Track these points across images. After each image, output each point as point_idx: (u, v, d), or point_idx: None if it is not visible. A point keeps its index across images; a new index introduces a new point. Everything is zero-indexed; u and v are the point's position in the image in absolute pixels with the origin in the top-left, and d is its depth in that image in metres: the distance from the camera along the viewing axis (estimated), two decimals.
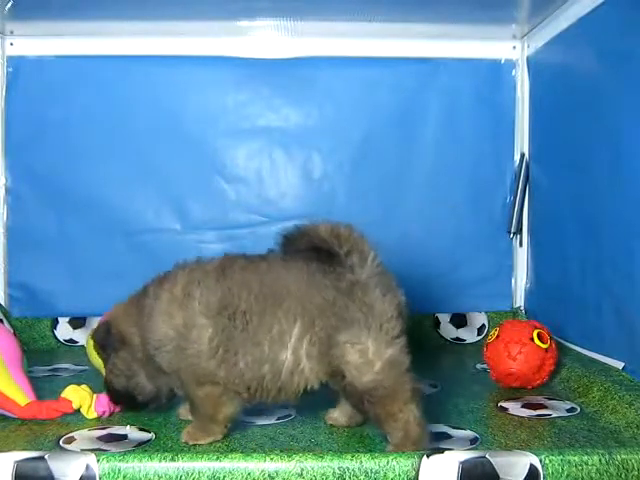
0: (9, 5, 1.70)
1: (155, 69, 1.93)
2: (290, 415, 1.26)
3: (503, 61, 1.95)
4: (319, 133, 1.94)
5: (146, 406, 1.23)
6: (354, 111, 1.94)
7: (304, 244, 1.12)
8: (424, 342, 1.89)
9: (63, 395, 1.25)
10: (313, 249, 1.11)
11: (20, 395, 1.24)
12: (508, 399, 1.37)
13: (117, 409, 1.27)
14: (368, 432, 1.15)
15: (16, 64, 1.90)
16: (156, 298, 1.15)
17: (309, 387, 1.08)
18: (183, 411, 1.24)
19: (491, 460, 0.93)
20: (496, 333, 1.49)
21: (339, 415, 1.21)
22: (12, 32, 1.89)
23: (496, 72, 1.95)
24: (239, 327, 1.08)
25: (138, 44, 1.92)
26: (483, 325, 1.92)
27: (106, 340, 1.20)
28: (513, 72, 1.94)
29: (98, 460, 0.96)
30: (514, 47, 1.94)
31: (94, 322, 1.81)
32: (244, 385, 1.09)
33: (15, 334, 1.41)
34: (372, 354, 1.05)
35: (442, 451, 0.95)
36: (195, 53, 1.92)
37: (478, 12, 1.75)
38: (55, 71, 1.90)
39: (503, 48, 1.95)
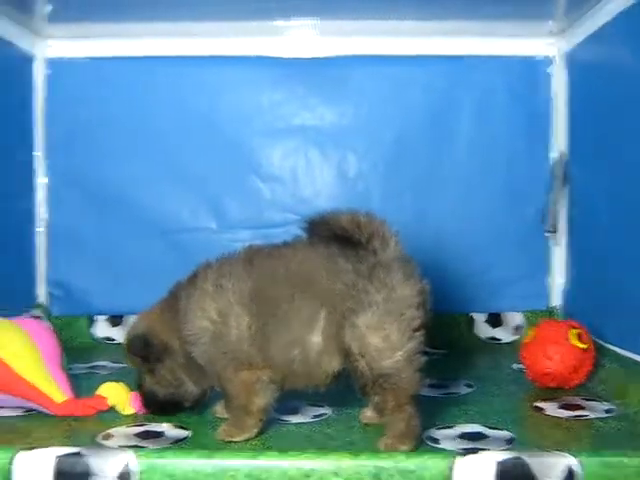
0: (47, 8, 1.73)
1: (190, 69, 1.94)
2: (325, 414, 1.26)
3: (538, 58, 1.93)
4: (354, 132, 1.94)
5: (190, 409, 1.25)
6: (388, 110, 1.93)
7: (325, 231, 1.15)
8: (459, 342, 1.88)
9: (99, 392, 1.26)
10: (335, 236, 1.13)
11: (57, 392, 1.25)
12: (545, 399, 1.36)
13: None
14: None
15: (55, 66, 1.93)
16: (188, 298, 1.17)
17: (335, 371, 1.11)
18: (219, 409, 1.25)
19: (528, 461, 0.93)
20: (532, 333, 1.48)
21: (374, 414, 1.21)
22: (50, 35, 1.92)
23: (531, 69, 1.93)
24: (270, 313, 1.11)
25: (173, 45, 1.93)
26: (519, 325, 1.91)
27: (148, 352, 1.21)
28: (549, 69, 1.92)
29: (137, 456, 0.97)
30: (550, 43, 1.91)
31: (131, 320, 1.83)
32: (276, 370, 1.12)
33: (55, 331, 1.43)
34: (395, 341, 1.07)
35: (477, 451, 0.95)
36: (230, 53, 1.93)
37: (513, 9, 1.73)
38: (92, 72, 1.93)
39: (538, 45, 1.92)
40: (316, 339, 1.09)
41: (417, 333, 1.09)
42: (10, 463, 0.97)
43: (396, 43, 1.93)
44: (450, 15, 1.80)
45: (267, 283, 1.13)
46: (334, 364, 1.10)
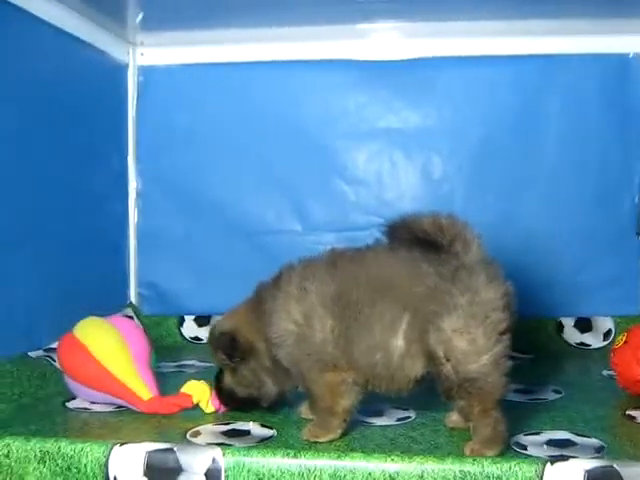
0: (140, 17, 1.79)
1: (276, 74, 1.97)
2: (410, 417, 1.25)
3: (631, 55, 1.87)
4: (438, 134, 1.92)
5: (267, 409, 1.27)
6: (474, 111, 1.91)
7: (407, 235, 1.14)
8: (548, 346, 1.85)
9: (183, 390, 1.29)
10: (417, 239, 1.13)
11: (144, 390, 1.29)
12: (637, 407, 1.32)
13: None
14: None
15: (146, 73, 1.99)
16: (273, 300, 1.19)
17: (418, 375, 1.10)
18: (304, 409, 1.27)
19: (619, 470, 0.91)
20: (624, 338, 1.43)
21: (459, 417, 1.20)
22: (142, 43, 1.98)
23: (624, 67, 1.87)
24: (352, 316, 1.11)
25: (260, 50, 1.96)
26: (609, 330, 1.86)
27: (234, 349, 1.24)
28: None
29: (224, 454, 0.99)
30: None
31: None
32: (360, 373, 1.12)
33: (145, 331, 1.47)
34: (481, 345, 1.06)
35: (567, 459, 0.93)
36: (315, 57, 1.95)
37: (603, 5, 1.69)
38: (182, 79, 1.98)
39: (631, 42, 1.86)
40: (399, 343, 1.09)
41: (503, 336, 1.08)
42: (106, 457, 1.01)
43: (481, 43, 1.90)
44: (537, 14, 1.77)
45: (350, 287, 1.13)
46: (417, 368, 1.10)
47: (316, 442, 1.11)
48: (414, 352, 1.09)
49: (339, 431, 1.13)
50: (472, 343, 1.06)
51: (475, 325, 1.06)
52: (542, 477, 0.91)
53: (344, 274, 1.15)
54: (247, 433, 1.17)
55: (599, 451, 1.08)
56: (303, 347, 1.15)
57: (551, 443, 1.10)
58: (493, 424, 1.05)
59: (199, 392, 1.28)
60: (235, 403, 1.28)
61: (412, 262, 1.12)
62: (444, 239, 1.11)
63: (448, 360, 1.07)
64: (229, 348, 1.24)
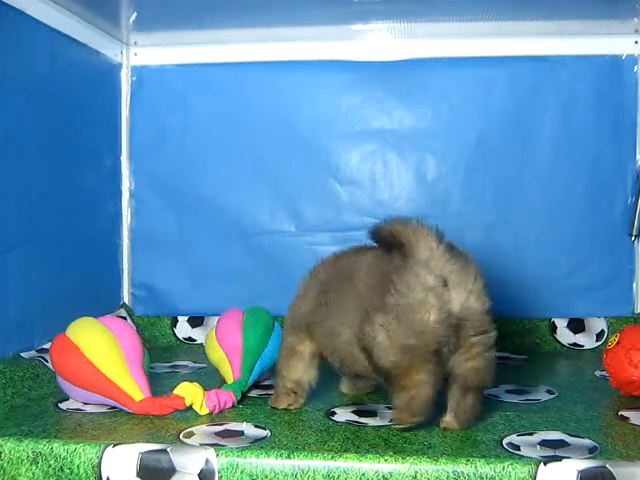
0: (133, 17, 1.79)
1: (269, 74, 1.97)
2: None
3: (624, 57, 1.88)
4: (433, 135, 1.92)
5: None
6: (468, 112, 1.91)
7: (378, 240, 1.23)
8: (541, 347, 1.86)
9: (175, 392, 1.28)
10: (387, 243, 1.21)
11: (136, 391, 1.28)
12: (629, 408, 1.32)
13: (227, 405, 1.31)
14: (482, 437, 1.13)
15: (140, 73, 1.99)
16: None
17: (365, 363, 1.17)
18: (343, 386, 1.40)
19: (612, 470, 0.91)
20: (616, 339, 1.44)
21: (452, 419, 1.20)
22: (136, 43, 1.97)
23: (616, 69, 1.88)
24: (324, 301, 1.26)
25: (254, 51, 1.96)
26: (602, 331, 1.86)
27: None
28: (635, 68, 1.87)
29: (217, 455, 0.99)
30: (636, 42, 1.86)
31: (212, 321, 1.87)
32: (322, 349, 1.28)
33: (138, 331, 1.47)
34: (397, 342, 1.11)
35: (560, 459, 0.93)
36: (309, 58, 1.95)
37: (596, 7, 1.69)
38: (176, 79, 1.98)
39: (624, 43, 1.87)
40: (347, 331, 1.20)
41: (425, 336, 1.10)
42: (99, 458, 1.01)
43: (475, 44, 1.91)
44: (531, 15, 1.77)
45: (330, 277, 1.29)
46: (362, 356, 1.17)
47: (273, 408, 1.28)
48: (355, 341, 1.17)
49: (284, 399, 1.27)
50: (390, 339, 1.11)
51: (396, 323, 1.11)
52: (535, 478, 0.91)
53: (333, 267, 1.31)
54: (241, 434, 1.16)
55: (592, 451, 1.08)
56: (291, 313, 1.34)
57: (544, 444, 1.10)
58: (409, 396, 1.10)
59: (192, 394, 1.28)
60: None
61: (371, 260, 1.23)
62: (397, 242, 1.16)
63: (371, 353, 1.13)
64: None
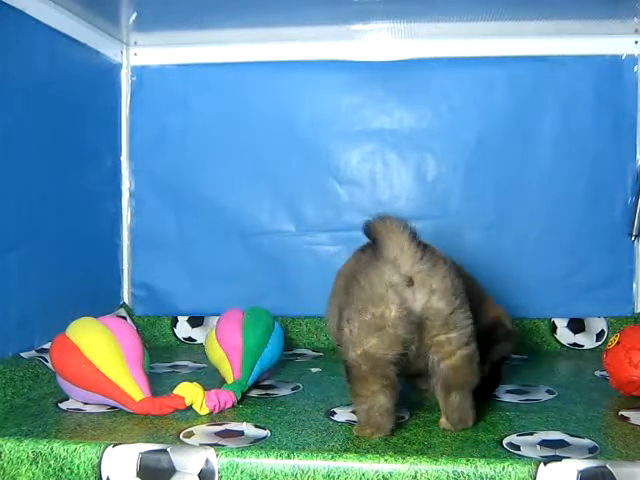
0: (133, 17, 1.79)
1: (270, 74, 1.97)
2: (403, 417, 1.25)
3: (624, 57, 1.88)
4: (433, 135, 1.92)
5: None
6: (468, 112, 1.91)
7: (367, 236, 1.24)
8: (541, 347, 1.86)
9: (175, 392, 1.28)
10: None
11: (136, 391, 1.28)
12: (629, 408, 1.32)
13: (227, 405, 1.31)
14: (482, 437, 1.13)
15: (140, 73, 1.99)
16: None
17: None
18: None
19: (612, 470, 0.91)
20: (616, 339, 1.43)
21: (445, 420, 1.20)
22: (136, 43, 1.97)
23: (616, 69, 1.88)
24: (343, 296, 1.26)
25: (254, 51, 1.96)
26: (602, 331, 1.86)
27: None
28: (635, 68, 1.87)
29: (217, 455, 0.99)
30: (636, 42, 1.86)
31: (212, 321, 1.87)
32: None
33: (138, 331, 1.47)
34: (357, 338, 1.13)
35: (560, 459, 0.93)
36: (309, 58, 1.95)
37: (596, 7, 1.69)
38: (176, 79, 1.98)
39: (624, 43, 1.87)
40: (331, 324, 1.29)
41: (381, 332, 1.12)
42: (99, 458, 1.01)
43: (477, 44, 1.91)
44: (531, 15, 1.77)
45: (346, 275, 1.29)
46: None
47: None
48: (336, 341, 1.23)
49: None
50: (351, 334, 1.14)
51: (358, 317, 1.13)
52: (535, 478, 0.91)
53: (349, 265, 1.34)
54: (241, 433, 1.16)
55: (592, 451, 1.08)
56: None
57: (544, 444, 1.10)
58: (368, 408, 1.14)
59: (192, 394, 1.27)
60: None
61: (359, 258, 1.26)
62: (374, 239, 1.18)
63: (339, 346, 1.19)
64: None
